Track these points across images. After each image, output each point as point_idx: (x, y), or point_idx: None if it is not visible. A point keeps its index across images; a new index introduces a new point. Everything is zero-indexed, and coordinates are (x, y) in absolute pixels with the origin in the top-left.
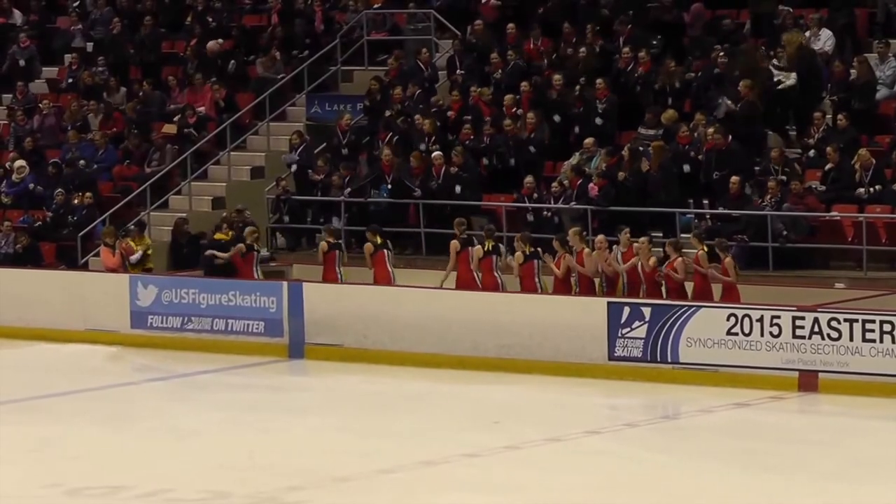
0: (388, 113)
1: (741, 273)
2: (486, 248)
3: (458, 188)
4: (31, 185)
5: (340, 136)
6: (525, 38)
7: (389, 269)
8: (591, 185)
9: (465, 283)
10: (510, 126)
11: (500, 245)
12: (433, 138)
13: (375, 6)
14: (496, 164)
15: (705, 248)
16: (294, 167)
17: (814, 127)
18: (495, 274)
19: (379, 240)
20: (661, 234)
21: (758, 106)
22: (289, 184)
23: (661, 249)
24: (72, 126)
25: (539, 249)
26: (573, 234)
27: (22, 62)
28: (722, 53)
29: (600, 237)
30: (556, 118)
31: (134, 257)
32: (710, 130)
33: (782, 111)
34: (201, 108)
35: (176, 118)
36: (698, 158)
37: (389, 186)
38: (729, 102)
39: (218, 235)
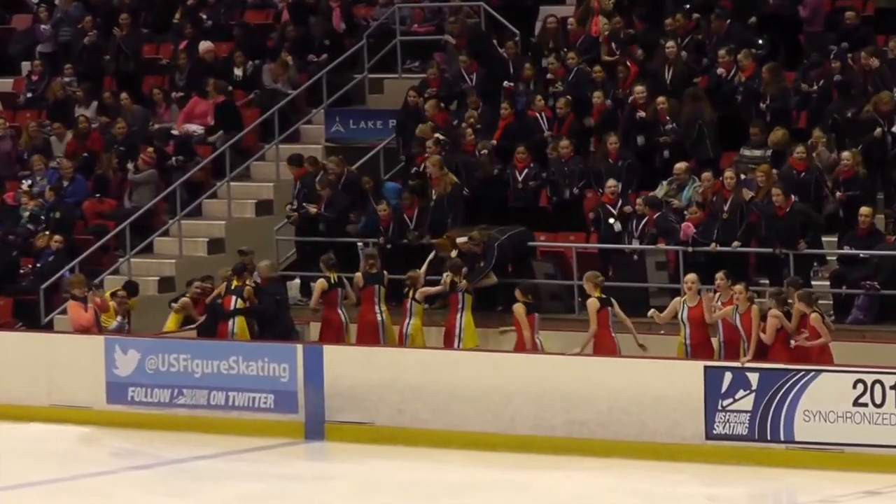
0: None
1: (870, 328)
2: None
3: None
4: None
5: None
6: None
7: (537, 339)
8: (684, 223)
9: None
10: (567, 149)
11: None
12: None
13: None
14: (551, 195)
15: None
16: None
17: None
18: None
19: (530, 298)
20: (767, 282)
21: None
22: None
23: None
24: (29, 152)
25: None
26: (587, 279)
27: None
28: (836, 62)
29: (690, 276)
30: (640, 140)
31: (113, 325)
32: (846, 156)
33: None
34: (197, 129)
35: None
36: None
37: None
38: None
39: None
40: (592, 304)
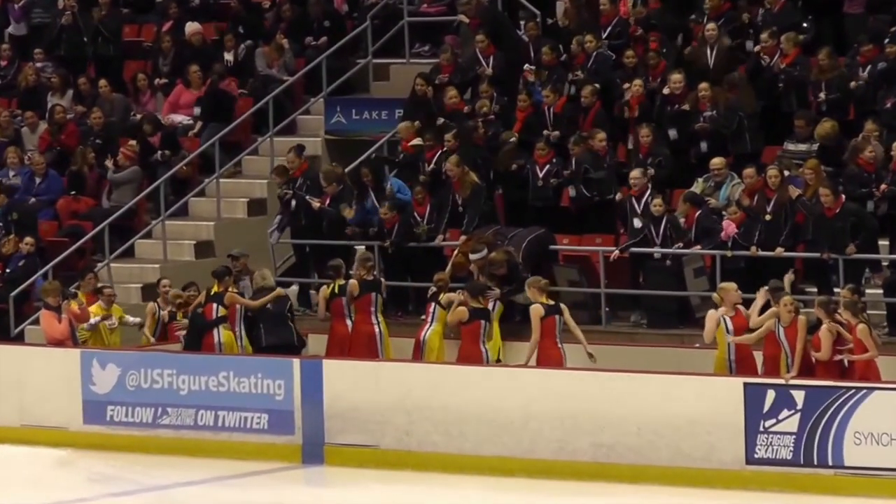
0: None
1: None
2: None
3: None
4: None
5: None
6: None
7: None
8: (725, 221)
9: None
10: (602, 142)
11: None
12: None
13: None
14: (586, 194)
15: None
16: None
17: None
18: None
19: (480, 302)
20: (815, 290)
21: None
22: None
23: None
24: None
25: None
26: (530, 285)
27: None
28: (891, 46)
29: (727, 286)
30: (673, 134)
31: (88, 323)
32: (893, 146)
33: None
34: (183, 119)
35: None
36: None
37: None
38: None
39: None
40: (536, 311)
